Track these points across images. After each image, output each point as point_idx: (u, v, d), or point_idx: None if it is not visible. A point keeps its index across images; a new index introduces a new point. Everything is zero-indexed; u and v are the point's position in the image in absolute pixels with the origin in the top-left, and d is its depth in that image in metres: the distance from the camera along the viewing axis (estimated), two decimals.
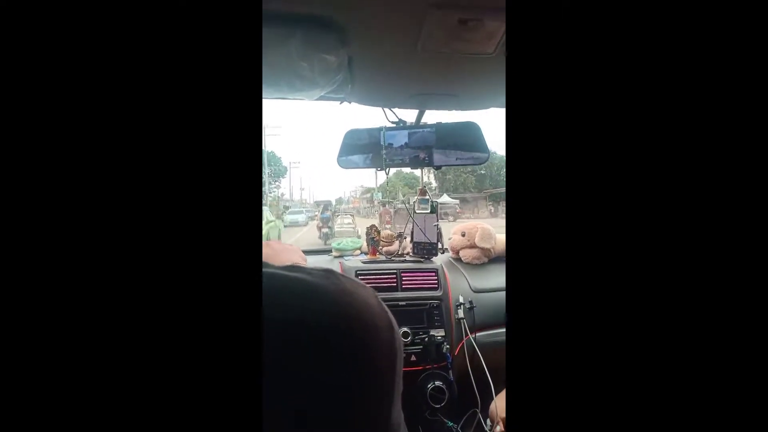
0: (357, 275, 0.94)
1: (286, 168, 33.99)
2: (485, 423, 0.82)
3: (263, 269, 0.29)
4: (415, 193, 1.07)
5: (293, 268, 0.30)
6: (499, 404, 0.72)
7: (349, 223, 10.84)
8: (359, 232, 9.82)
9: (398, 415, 0.31)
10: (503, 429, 0.69)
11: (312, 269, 0.31)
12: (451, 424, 0.83)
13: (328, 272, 0.31)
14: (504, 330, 0.93)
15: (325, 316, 0.27)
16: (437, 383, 0.84)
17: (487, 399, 0.83)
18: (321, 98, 0.71)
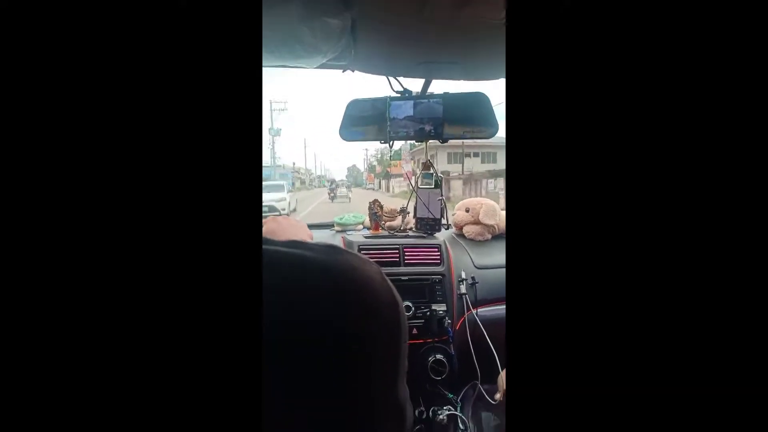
0: (359, 250, 0.93)
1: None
2: (486, 394, 0.84)
3: (265, 246, 0.28)
4: None
5: (295, 243, 0.30)
6: (503, 375, 0.73)
7: (344, 191, 18.77)
8: (350, 196, 18.42)
9: (404, 389, 0.31)
10: (501, 398, 0.71)
11: (315, 244, 0.30)
12: (451, 395, 0.85)
13: (331, 248, 0.30)
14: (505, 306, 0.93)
15: (327, 292, 0.27)
16: (438, 356, 0.86)
17: (489, 372, 0.84)
18: (322, 66, 0.68)
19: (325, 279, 0.27)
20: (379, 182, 28.44)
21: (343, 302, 0.27)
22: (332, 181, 20.59)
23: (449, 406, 0.84)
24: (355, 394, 0.27)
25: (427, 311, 0.88)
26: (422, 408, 0.85)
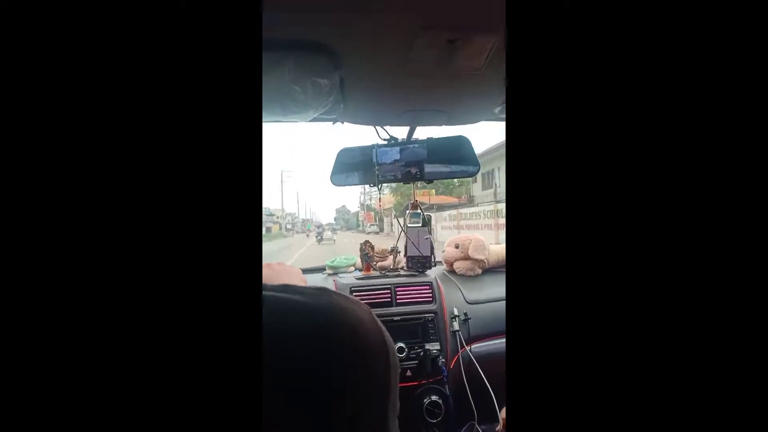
0: (351, 292, 0.94)
1: None
2: None
3: None
4: None
5: (285, 288, 0.30)
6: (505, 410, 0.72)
7: (329, 234, 21.82)
8: (334, 239, 21.67)
9: (395, 430, 0.31)
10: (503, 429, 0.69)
11: (304, 288, 0.31)
12: None
13: (320, 290, 0.31)
14: (499, 341, 0.93)
15: (316, 335, 0.27)
16: (433, 398, 0.84)
17: (486, 411, 0.83)
18: (314, 119, 0.73)
19: (314, 323, 0.28)
20: (390, 222, 21.05)
21: (333, 345, 0.27)
22: (319, 225, 26.07)
23: None
24: None
25: (420, 351, 0.88)
26: None
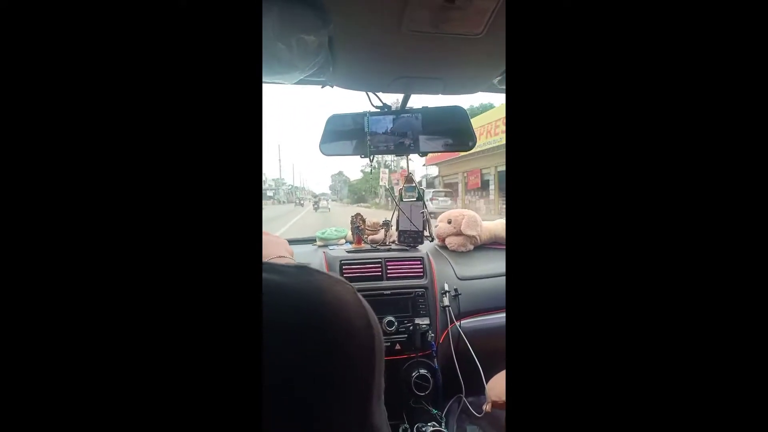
0: (341, 265, 0.92)
1: None
2: (471, 407, 0.83)
3: None
4: None
5: (265, 267, 0.29)
6: (490, 385, 0.73)
7: (325, 203, 24.61)
8: (329, 207, 23.60)
9: (380, 412, 0.30)
10: (489, 409, 0.70)
11: (284, 266, 0.30)
12: (435, 411, 0.84)
13: (301, 269, 0.29)
14: (488, 317, 0.93)
15: (295, 320, 0.26)
16: (422, 371, 0.85)
17: (474, 384, 0.84)
18: (301, 82, 0.68)
19: (293, 306, 0.26)
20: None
21: (313, 332, 0.26)
22: (315, 195, 30.43)
23: (434, 422, 0.83)
24: (328, 422, 0.26)
25: (410, 326, 0.88)
26: (406, 425, 0.84)
